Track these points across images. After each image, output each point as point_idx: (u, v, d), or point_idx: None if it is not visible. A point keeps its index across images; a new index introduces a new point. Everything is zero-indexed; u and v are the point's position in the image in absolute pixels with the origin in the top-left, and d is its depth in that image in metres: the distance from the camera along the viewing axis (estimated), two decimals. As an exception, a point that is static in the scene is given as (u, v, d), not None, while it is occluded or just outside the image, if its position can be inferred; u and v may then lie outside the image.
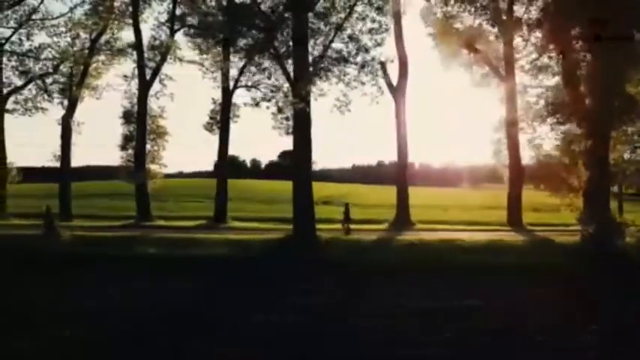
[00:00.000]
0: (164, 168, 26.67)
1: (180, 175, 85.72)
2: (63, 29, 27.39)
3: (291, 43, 17.69)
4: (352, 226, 21.28)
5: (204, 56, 25.73)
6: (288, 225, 24.51)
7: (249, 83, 25.03)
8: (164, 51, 25.38)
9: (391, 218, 25.16)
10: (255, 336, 8.49)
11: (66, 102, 28.52)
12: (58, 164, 26.96)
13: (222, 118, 25.03)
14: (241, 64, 24.83)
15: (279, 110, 18.03)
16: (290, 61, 18.13)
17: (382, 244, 18.25)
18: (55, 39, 27.40)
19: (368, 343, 8.07)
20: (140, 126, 25.11)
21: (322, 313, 10.26)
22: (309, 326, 9.18)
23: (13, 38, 27.51)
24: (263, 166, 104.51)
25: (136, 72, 25.58)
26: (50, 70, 28.86)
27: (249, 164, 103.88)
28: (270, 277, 13.77)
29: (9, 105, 27.33)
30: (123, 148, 25.71)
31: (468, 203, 42.82)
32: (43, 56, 28.28)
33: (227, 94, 25.04)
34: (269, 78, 20.17)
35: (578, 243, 17.07)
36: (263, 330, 8.78)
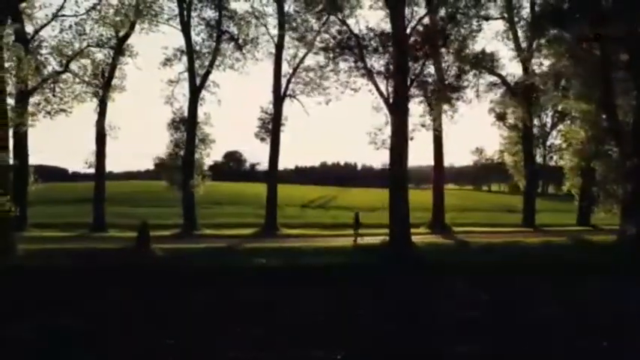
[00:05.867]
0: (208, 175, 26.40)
1: (130, 175, 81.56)
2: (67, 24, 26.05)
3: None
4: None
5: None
6: (337, 231, 26.18)
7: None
8: (213, 57, 25.34)
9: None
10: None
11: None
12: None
13: (273, 126, 25.63)
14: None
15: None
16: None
17: (461, 247, 20.52)
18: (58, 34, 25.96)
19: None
20: (190, 133, 24.81)
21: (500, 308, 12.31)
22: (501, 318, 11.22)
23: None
24: (206, 166, 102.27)
25: (183, 76, 25.31)
26: (58, 69, 27.12)
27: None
28: (415, 281, 15.38)
29: (30, 107, 25.13)
30: (172, 155, 25.14)
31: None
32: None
33: (278, 102, 25.71)
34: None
35: (616, 242, 20.86)
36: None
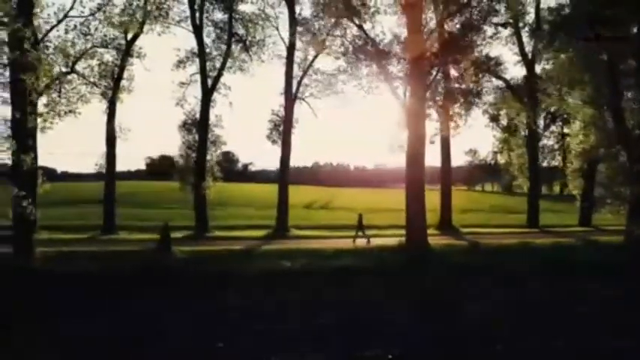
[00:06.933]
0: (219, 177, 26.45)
1: (122, 175, 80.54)
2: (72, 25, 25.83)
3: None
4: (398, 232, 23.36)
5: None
6: (345, 232, 26.41)
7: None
8: (224, 60, 25.43)
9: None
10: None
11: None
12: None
13: (285, 128, 25.82)
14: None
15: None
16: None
17: (476, 248, 20.87)
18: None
19: None
20: (202, 135, 24.85)
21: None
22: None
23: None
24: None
25: (194, 79, 25.35)
26: (65, 70, 26.90)
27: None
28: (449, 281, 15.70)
29: (40, 108, 24.85)
30: (185, 157, 25.16)
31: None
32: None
33: (290, 104, 25.90)
34: None
35: (624, 243, 21.50)
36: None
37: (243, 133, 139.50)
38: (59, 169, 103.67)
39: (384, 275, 15.86)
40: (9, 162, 17.35)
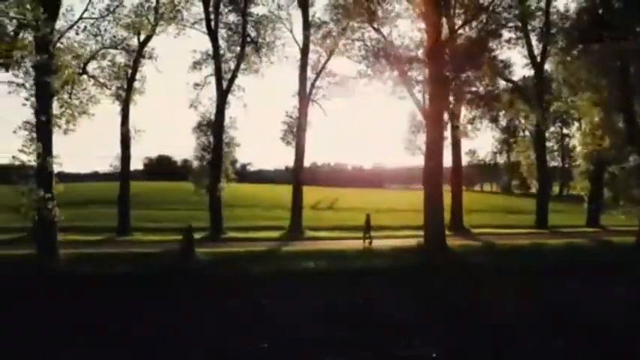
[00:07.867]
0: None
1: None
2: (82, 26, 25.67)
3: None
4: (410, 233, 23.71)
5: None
6: (356, 233, 26.56)
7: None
8: (238, 61, 25.54)
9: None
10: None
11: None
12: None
13: (298, 129, 26.00)
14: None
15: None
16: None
17: (492, 249, 21.15)
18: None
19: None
20: (217, 136, 24.94)
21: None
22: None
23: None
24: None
25: (208, 80, 25.47)
26: (77, 71, 26.79)
27: (179, 164, 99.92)
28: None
29: (55, 110, 24.76)
30: (200, 159, 25.26)
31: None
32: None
33: (304, 106, 26.09)
34: None
35: (636, 243, 21.92)
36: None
37: (240, 132, 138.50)
38: (55, 169, 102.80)
39: (411, 276, 16.15)
40: (34, 164, 17.41)
